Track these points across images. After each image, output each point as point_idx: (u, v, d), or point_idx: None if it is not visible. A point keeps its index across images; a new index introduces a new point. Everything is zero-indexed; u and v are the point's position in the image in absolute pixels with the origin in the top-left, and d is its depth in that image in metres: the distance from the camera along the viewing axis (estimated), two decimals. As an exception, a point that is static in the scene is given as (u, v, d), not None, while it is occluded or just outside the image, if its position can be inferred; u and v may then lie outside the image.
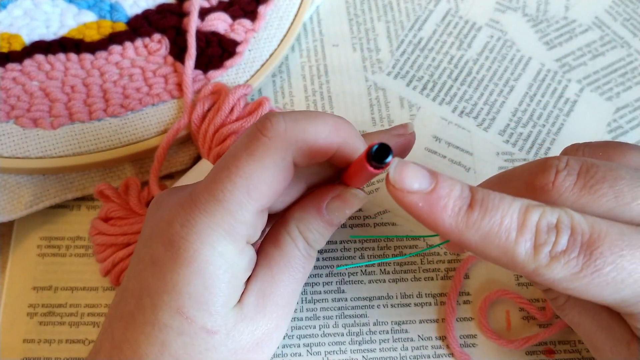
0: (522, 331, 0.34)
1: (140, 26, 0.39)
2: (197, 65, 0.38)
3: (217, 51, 0.38)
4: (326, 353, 0.33)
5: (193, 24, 0.38)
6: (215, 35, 0.39)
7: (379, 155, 0.22)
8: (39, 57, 0.37)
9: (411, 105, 0.39)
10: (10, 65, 0.37)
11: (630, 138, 0.39)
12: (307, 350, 0.33)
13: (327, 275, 0.34)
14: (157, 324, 0.25)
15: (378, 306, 0.34)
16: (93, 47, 0.38)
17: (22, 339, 0.33)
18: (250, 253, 0.26)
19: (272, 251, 0.27)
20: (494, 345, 0.33)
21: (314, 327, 0.33)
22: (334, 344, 0.33)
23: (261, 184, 0.24)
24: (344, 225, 0.36)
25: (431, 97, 0.40)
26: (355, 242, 0.35)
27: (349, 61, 0.41)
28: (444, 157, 0.38)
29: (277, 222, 0.28)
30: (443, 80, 0.40)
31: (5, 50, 0.37)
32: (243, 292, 0.26)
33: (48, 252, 0.35)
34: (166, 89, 0.37)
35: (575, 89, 0.40)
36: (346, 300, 0.34)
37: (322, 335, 0.33)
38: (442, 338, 0.33)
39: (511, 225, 0.22)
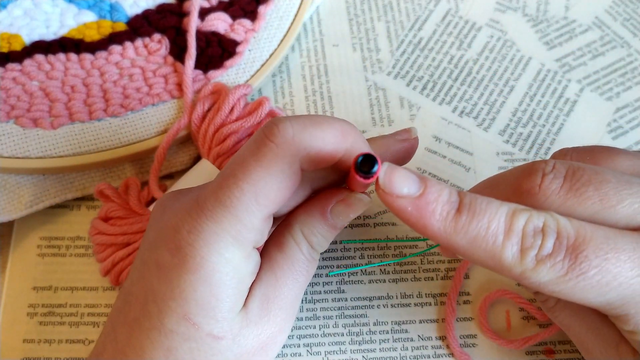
0: (522, 331, 0.34)
1: (140, 26, 0.39)
2: (197, 65, 0.38)
3: (217, 51, 0.38)
4: (326, 353, 0.33)
5: (193, 24, 0.38)
6: (215, 35, 0.39)
7: (365, 165, 0.22)
8: (39, 57, 0.37)
9: (411, 105, 0.39)
10: (10, 65, 0.37)
11: (630, 138, 0.39)
12: (307, 350, 0.33)
13: (327, 275, 0.34)
14: (163, 330, 0.25)
15: (378, 306, 0.34)
16: (93, 47, 0.38)
17: (22, 339, 0.33)
18: (256, 258, 0.26)
19: (276, 255, 0.27)
20: (494, 345, 0.33)
21: (314, 327, 0.33)
22: (334, 344, 0.33)
23: (269, 191, 0.24)
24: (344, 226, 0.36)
25: (431, 97, 0.40)
26: (356, 240, 0.35)
27: (349, 61, 0.41)
28: (444, 157, 0.38)
29: (280, 225, 0.28)
30: (443, 80, 0.40)
31: (5, 50, 0.37)
32: (247, 296, 0.26)
33: (48, 252, 0.35)
34: (166, 89, 0.37)
35: (575, 89, 0.40)
36: (346, 300, 0.34)
37: (322, 335, 0.33)
38: (442, 338, 0.33)
39: (498, 229, 0.23)
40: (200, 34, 0.38)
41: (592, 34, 0.42)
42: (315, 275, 0.34)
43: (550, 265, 0.22)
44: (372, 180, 0.23)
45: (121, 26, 0.39)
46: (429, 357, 0.33)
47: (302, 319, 0.34)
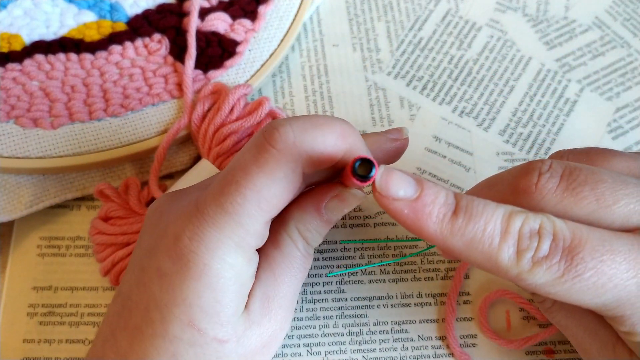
0: (522, 331, 0.34)
1: (140, 26, 0.39)
2: (197, 65, 0.38)
3: (217, 51, 0.38)
4: (326, 353, 0.33)
5: (193, 24, 0.38)
6: (215, 35, 0.39)
7: (362, 169, 0.22)
8: (39, 57, 0.37)
9: (411, 105, 0.39)
10: (10, 65, 0.37)
11: (630, 138, 0.39)
12: (307, 350, 0.33)
13: (327, 275, 0.34)
14: (168, 337, 0.25)
15: (378, 306, 0.34)
16: (93, 47, 0.38)
17: (22, 339, 0.33)
18: (257, 260, 0.26)
19: (273, 253, 0.27)
20: (494, 345, 0.33)
21: (314, 327, 0.33)
22: (334, 344, 0.33)
23: (272, 197, 0.24)
24: (344, 225, 0.36)
25: (431, 97, 0.40)
26: (355, 240, 0.35)
27: (349, 61, 0.41)
28: (444, 157, 0.38)
29: (275, 222, 0.28)
30: (443, 80, 0.40)
31: (5, 50, 0.37)
32: (248, 297, 0.26)
33: (48, 252, 0.35)
34: (166, 89, 0.37)
35: (575, 89, 0.40)
36: (346, 300, 0.34)
37: (322, 335, 0.33)
38: (442, 338, 0.33)
39: (494, 231, 0.23)
40: (200, 34, 0.38)
41: (592, 34, 0.42)
42: (315, 275, 0.34)
43: (547, 267, 0.23)
44: (369, 183, 0.23)
45: (121, 26, 0.39)
46: (429, 357, 0.33)
47: (302, 319, 0.34)
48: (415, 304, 0.34)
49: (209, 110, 0.36)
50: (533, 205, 0.24)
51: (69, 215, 0.36)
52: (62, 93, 0.36)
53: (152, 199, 0.35)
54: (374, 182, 0.23)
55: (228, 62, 0.38)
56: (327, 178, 0.28)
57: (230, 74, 0.38)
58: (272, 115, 0.36)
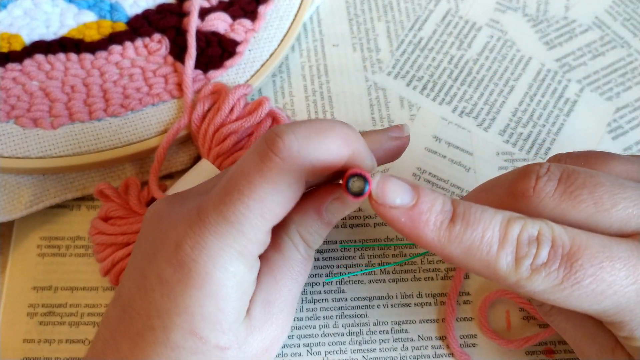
0: (522, 331, 0.34)
1: (140, 26, 0.39)
2: (197, 65, 0.38)
3: (217, 51, 0.38)
4: (326, 353, 0.33)
5: (193, 24, 0.38)
6: (215, 35, 0.39)
7: (356, 185, 0.22)
8: (39, 57, 0.37)
9: (411, 105, 0.39)
10: (10, 65, 0.37)
11: (630, 138, 0.39)
12: (307, 350, 0.33)
13: (327, 275, 0.34)
14: (170, 345, 0.25)
15: (378, 306, 0.34)
16: (93, 47, 0.38)
17: (22, 339, 0.33)
18: (258, 266, 0.26)
19: (274, 257, 0.27)
20: (494, 345, 0.33)
21: (314, 327, 0.33)
22: (334, 344, 0.33)
23: (275, 206, 0.24)
24: (344, 225, 0.36)
25: (431, 97, 0.40)
26: (355, 242, 0.35)
27: (349, 61, 0.41)
28: (444, 157, 0.38)
29: (276, 225, 0.28)
30: (443, 80, 0.40)
31: (5, 50, 0.37)
32: (249, 303, 0.26)
33: (48, 252, 0.35)
34: (166, 89, 0.37)
35: (575, 89, 0.40)
36: (346, 300, 0.34)
37: (322, 335, 0.33)
38: (442, 338, 0.33)
39: (492, 238, 0.23)
40: (200, 34, 0.38)
41: (592, 34, 0.42)
42: (315, 276, 0.34)
43: (545, 274, 0.22)
44: (363, 199, 0.23)
45: (121, 26, 0.39)
46: (429, 357, 0.33)
47: (302, 319, 0.34)
48: (415, 304, 0.34)
49: (209, 110, 0.36)
50: (531, 208, 0.24)
51: (69, 215, 0.36)
52: (62, 93, 0.36)
53: (152, 199, 0.35)
54: (370, 192, 0.23)
55: (228, 62, 0.38)
56: (327, 180, 0.28)
57: (230, 74, 0.38)
58: (272, 115, 0.36)
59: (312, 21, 0.42)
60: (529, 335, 0.33)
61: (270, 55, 0.39)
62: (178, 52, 0.38)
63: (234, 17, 0.39)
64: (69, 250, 0.35)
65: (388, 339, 0.33)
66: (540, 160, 0.38)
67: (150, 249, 0.26)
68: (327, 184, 0.28)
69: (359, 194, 0.22)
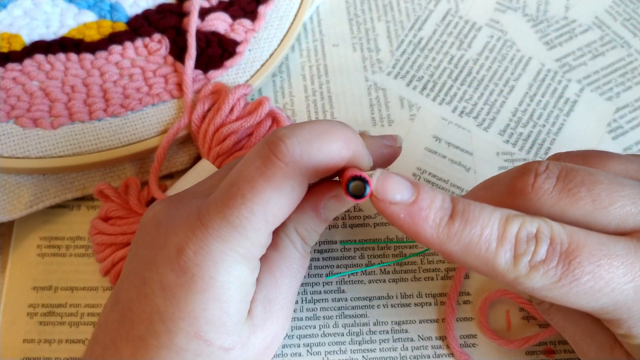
0: (522, 331, 0.34)
1: (140, 26, 0.39)
2: (197, 65, 0.38)
3: (217, 51, 0.38)
4: (326, 353, 0.33)
5: (193, 23, 0.38)
6: (215, 35, 0.39)
7: (356, 188, 0.22)
8: (39, 57, 0.37)
9: (411, 105, 0.39)
10: (10, 65, 0.37)
11: (630, 138, 0.39)
12: (307, 350, 0.33)
13: (326, 279, 0.34)
14: (174, 348, 0.25)
15: (378, 306, 0.34)
16: (93, 47, 0.38)
17: (22, 339, 0.33)
18: (259, 267, 0.26)
19: (272, 255, 0.27)
20: (494, 345, 0.33)
21: (314, 327, 0.33)
22: (334, 344, 0.33)
23: (278, 210, 0.24)
24: (344, 225, 0.36)
25: (431, 97, 0.40)
26: (355, 241, 0.35)
27: (349, 61, 0.41)
28: (444, 157, 0.38)
29: None
30: (443, 80, 0.40)
31: (5, 50, 0.37)
32: (250, 303, 0.27)
33: (48, 252, 0.35)
34: (166, 89, 0.37)
35: (575, 89, 0.40)
36: (346, 300, 0.34)
37: (322, 335, 0.33)
38: (442, 338, 0.33)
39: (491, 235, 0.23)
40: (200, 34, 0.38)
41: (592, 34, 0.42)
42: (315, 275, 0.34)
43: (544, 271, 0.22)
44: (363, 201, 0.23)
45: (121, 26, 0.39)
46: (429, 357, 0.33)
47: (302, 319, 0.34)
48: (415, 304, 0.34)
49: (209, 110, 0.36)
50: (530, 206, 0.24)
51: (69, 215, 0.36)
52: (62, 93, 0.36)
53: (152, 199, 0.35)
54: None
55: (228, 62, 0.38)
56: (324, 178, 0.28)
57: (230, 74, 0.38)
58: (272, 115, 0.36)
59: (312, 21, 0.42)
60: (529, 335, 0.33)
61: (270, 55, 0.39)
62: (178, 52, 0.38)
63: (234, 17, 0.39)
64: (69, 250, 0.35)
65: (388, 339, 0.33)
66: (540, 160, 0.38)
67: (149, 253, 0.26)
68: (323, 181, 0.28)
69: (359, 196, 0.22)
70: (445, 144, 0.38)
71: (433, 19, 0.42)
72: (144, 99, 0.37)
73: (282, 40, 0.40)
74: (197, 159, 0.37)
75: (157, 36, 0.39)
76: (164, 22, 0.39)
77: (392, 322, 0.34)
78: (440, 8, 0.43)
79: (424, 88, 0.40)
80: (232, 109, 0.36)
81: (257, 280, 0.27)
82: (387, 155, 0.29)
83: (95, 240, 0.34)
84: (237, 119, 0.36)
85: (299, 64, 0.41)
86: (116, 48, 0.38)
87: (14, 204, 0.34)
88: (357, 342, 0.33)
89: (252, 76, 0.38)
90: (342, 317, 0.34)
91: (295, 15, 0.40)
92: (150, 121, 0.36)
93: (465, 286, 0.35)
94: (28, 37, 0.38)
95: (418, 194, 0.23)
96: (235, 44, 0.39)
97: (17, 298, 0.34)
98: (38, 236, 0.35)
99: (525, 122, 0.39)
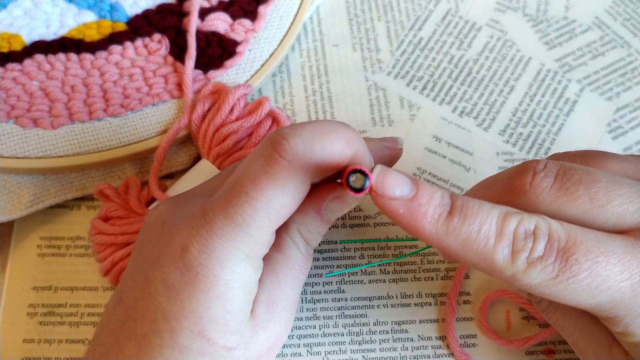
0: (522, 331, 0.34)
1: (140, 26, 0.39)
2: (197, 65, 0.38)
3: (217, 51, 0.38)
4: (326, 353, 0.33)
5: (193, 24, 0.38)
6: (215, 35, 0.39)
7: (356, 181, 0.23)
8: (39, 57, 0.37)
9: (411, 105, 0.39)
10: (10, 65, 0.37)
11: (630, 138, 0.39)
12: (307, 350, 0.33)
13: (325, 276, 0.34)
14: (177, 347, 0.25)
15: (378, 306, 0.34)
16: (93, 47, 0.38)
17: (22, 339, 0.33)
18: (262, 267, 0.27)
19: (275, 256, 0.28)
20: (494, 345, 0.33)
21: (314, 327, 0.33)
22: (334, 344, 0.33)
23: (281, 208, 0.24)
24: (344, 225, 0.36)
25: (431, 97, 0.40)
26: (354, 240, 0.35)
27: (349, 61, 0.41)
28: (444, 157, 0.38)
29: None
30: (443, 80, 0.40)
31: (5, 50, 0.37)
32: (253, 303, 0.27)
33: (48, 252, 0.35)
34: (166, 89, 0.37)
35: (575, 89, 0.40)
36: (346, 300, 0.34)
37: (322, 335, 0.33)
38: (442, 338, 0.33)
39: (489, 231, 0.23)
40: (200, 34, 0.38)
41: (592, 34, 0.42)
42: (315, 275, 0.34)
43: (541, 267, 0.23)
44: (363, 194, 0.23)
45: (121, 26, 0.39)
46: (429, 357, 0.33)
47: (302, 319, 0.34)
48: (415, 304, 0.34)
49: (209, 110, 0.36)
50: (528, 204, 0.25)
51: (69, 215, 0.36)
52: (62, 93, 0.36)
53: (152, 199, 0.35)
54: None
55: (228, 62, 0.38)
56: (326, 179, 0.28)
57: (230, 74, 0.38)
58: (272, 115, 0.36)
59: (312, 21, 0.42)
60: (529, 335, 0.33)
61: (270, 55, 0.39)
62: (178, 52, 0.38)
63: (234, 17, 0.39)
64: (69, 250, 0.35)
65: (388, 339, 0.33)
66: (540, 160, 0.38)
67: (153, 252, 0.26)
68: (326, 183, 0.28)
69: (359, 189, 0.23)
70: (445, 144, 0.38)
71: (433, 19, 0.42)
72: (144, 99, 0.37)
73: (282, 40, 0.40)
74: (197, 159, 0.37)
75: (157, 36, 0.39)
76: (164, 22, 0.39)
77: (392, 322, 0.34)
78: (440, 8, 0.43)
79: (424, 88, 0.40)
80: (232, 109, 0.36)
81: (260, 281, 0.27)
82: (388, 156, 0.30)
83: (95, 240, 0.34)
84: (237, 119, 0.36)
85: (299, 64, 0.41)
86: (116, 48, 0.38)
87: (14, 204, 0.34)
88: (357, 342, 0.33)
89: (252, 76, 0.38)
90: (342, 317, 0.34)
91: (295, 15, 0.40)
92: (150, 121, 0.36)
93: (465, 286, 0.35)
94: (28, 37, 0.38)
95: (417, 190, 0.23)
96: (235, 44, 0.39)
97: (17, 298, 0.34)
98: (38, 236, 0.35)
99: (525, 122, 0.39)
